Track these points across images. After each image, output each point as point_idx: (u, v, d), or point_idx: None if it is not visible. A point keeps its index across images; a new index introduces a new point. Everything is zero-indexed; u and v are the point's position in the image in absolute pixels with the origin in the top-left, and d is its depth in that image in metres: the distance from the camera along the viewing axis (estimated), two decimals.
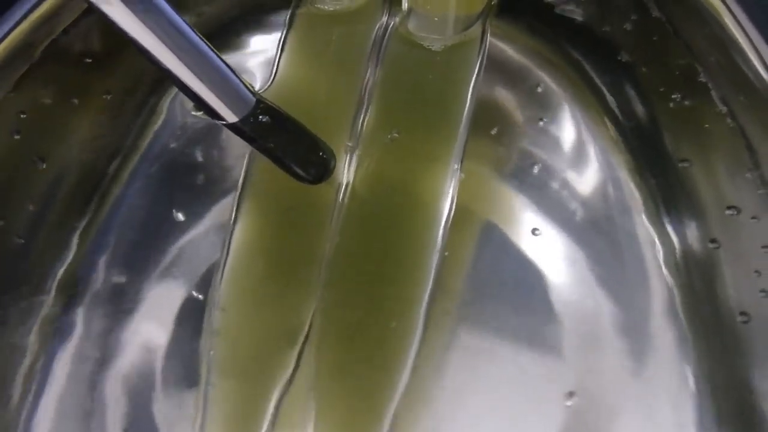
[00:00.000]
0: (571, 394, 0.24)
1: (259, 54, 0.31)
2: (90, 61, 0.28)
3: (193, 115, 0.30)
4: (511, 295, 0.26)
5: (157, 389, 0.26)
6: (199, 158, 0.30)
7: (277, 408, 0.23)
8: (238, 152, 0.30)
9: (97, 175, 0.29)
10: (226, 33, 0.30)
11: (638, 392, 0.24)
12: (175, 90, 0.30)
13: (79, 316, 0.27)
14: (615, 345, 0.25)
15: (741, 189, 0.22)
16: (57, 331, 0.26)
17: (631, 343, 0.25)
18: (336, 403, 0.23)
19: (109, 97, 0.29)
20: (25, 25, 0.25)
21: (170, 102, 0.31)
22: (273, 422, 0.23)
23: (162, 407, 0.25)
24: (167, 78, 0.21)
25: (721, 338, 0.23)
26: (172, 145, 0.30)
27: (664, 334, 0.25)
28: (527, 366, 0.25)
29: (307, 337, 0.24)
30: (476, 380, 0.25)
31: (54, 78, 0.27)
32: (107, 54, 0.29)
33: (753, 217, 0.22)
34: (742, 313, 0.23)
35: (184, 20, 0.21)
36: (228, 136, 0.30)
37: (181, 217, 0.29)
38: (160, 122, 0.30)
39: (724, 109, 0.23)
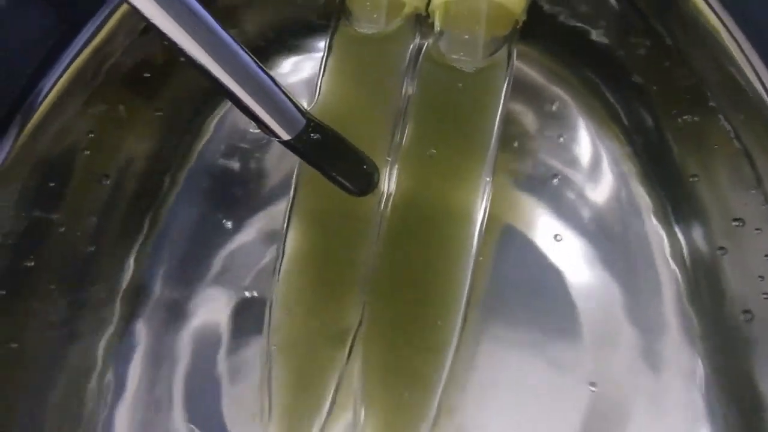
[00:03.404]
0: (593, 383, 0.28)
1: (295, 75, 0.33)
2: (148, 76, 0.31)
3: (236, 134, 0.33)
4: (535, 294, 0.30)
5: (222, 384, 0.28)
6: (243, 171, 0.33)
7: (331, 403, 0.27)
8: (278, 166, 0.33)
9: (152, 189, 0.32)
10: (263, 56, 0.33)
11: (651, 382, 0.27)
12: (220, 110, 0.33)
13: (142, 322, 0.30)
14: (629, 340, 0.28)
15: (746, 204, 0.25)
16: (123, 339, 0.29)
17: (644, 337, 0.28)
18: (386, 398, 0.26)
19: (160, 115, 0.32)
20: (89, 51, 0.28)
21: (217, 121, 0.33)
22: (328, 413, 0.26)
23: (226, 400, 0.28)
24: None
25: (726, 334, 0.26)
26: (219, 160, 0.33)
27: (675, 329, 0.28)
28: (552, 357, 0.28)
29: (355, 336, 0.27)
30: (505, 369, 0.29)
31: (114, 98, 0.29)
32: (159, 75, 0.31)
33: (757, 229, 0.25)
34: (746, 311, 0.25)
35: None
36: (268, 151, 0.33)
37: (229, 225, 0.32)
38: (206, 138, 0.33)
39: (731, 131, 0.25)
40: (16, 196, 0.25)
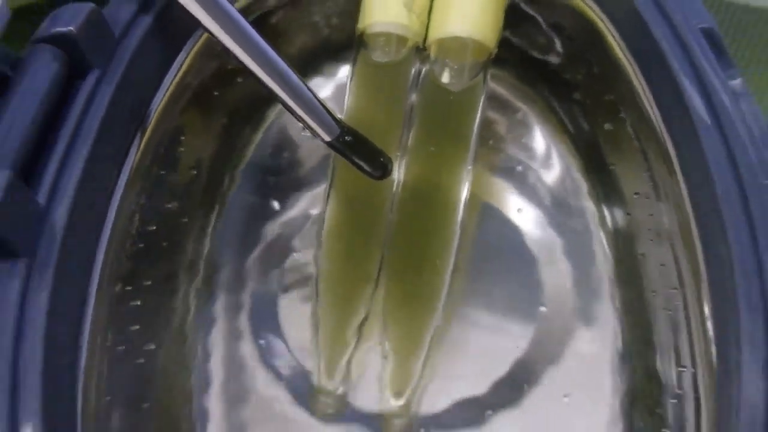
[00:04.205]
0: (543, 305, 0.36)
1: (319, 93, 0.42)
2: (217, 94, 0.38)
3: (278, 140, 0.41)
4: (504, 249, 0.38)
5: (280, 318, 0.37)
6: (284, 167, 0.41)
7: (361, 326, 0.36)
8: (309, 164, 0.41)
9: (219, 180, 0.39)
10: None
11: (586, 306, 0.36)
12: (266, 122, 0.42)
13: (218, 278, 0.38)
14: (572, 277, 0.37)
15: (641, 182, 0.33)
16: (206, 291, 0.37)
17: (582, 276, 0.37)
18: (402, 314, 0.35)
19: (224, 123, 0.40)
20: (182, 71, 0.34)
21: (264, 130, 0.41)
22: (360, 327, 0.36)
23: (285, 329, 0.37)
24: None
25: (633, 272, 0.35)
26: (266, 159, 0.41)
27: (603, 270, 0.37)
28: (514, 288, 0.37)
29: (378, 278, 0.36)
30: (482, 296, 0.37)
31: (195, 110, 0.37)
32: (223, 93, 0.39)
33: (647, 198, 0.33)
34: (641, 254, 0.34)
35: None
36: (302, 153, 0.42)
37: (277, 206, 0.40)
38: (257, 143, 0.41)
39: (633, 135, 0.34)
40: (144, 181, 0.31)
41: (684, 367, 0.31)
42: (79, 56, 0.29)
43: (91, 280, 0.27)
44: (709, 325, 0.27)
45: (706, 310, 0.27)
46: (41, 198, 0.25)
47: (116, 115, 0.29)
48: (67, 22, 0.28)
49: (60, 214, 0.25)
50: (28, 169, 0.26)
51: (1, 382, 0.21)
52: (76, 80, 0.29)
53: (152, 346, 0.32)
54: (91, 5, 0.29)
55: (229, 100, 0.39)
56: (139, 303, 0.32)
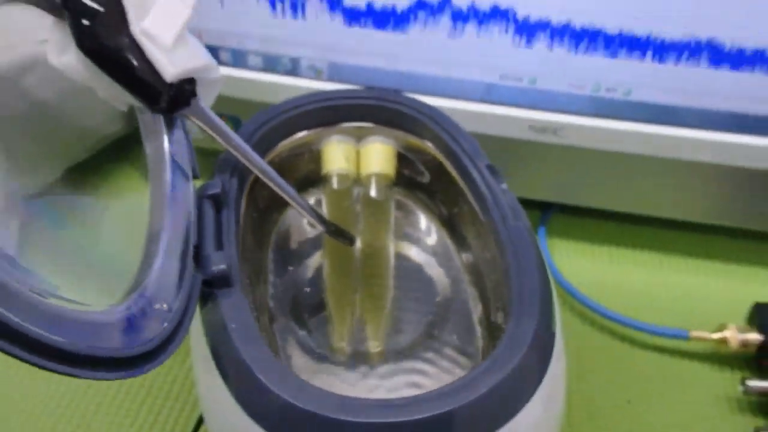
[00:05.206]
0: (438, 294, 0.69)
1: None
2: (255, 203, 0.73)
3: (292, 225, 0.66)
4: (411, 275, 0.63)
5: (307, 314, 0.64)
6: (298, 238, 0.65)
7: (352, 312, 0.61)
8: (311, 239, 0.65)
9: (260, 253, 0.63)
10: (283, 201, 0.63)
11: (454, 286, 0.63)
12: (284, 216, 0.67)
13: (276, 308, 0.63)
14: (444, 276, 0.63)
15: (473, 234, 0.57)
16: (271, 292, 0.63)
17: (449, 274, 0.62)
18: (370, 303, 0.60)
19: (256, 216, 0.74)
20: (246, 195, 0.70)
21: (282, 219, 0.66)
22: (352, 313, 0.61)
23: (310, 316, 0.67)
24: (298, 212, 0.68)
25: (477, 272, 0.60)
26: (284, 239, 0.64)
27: (461, 272, 0.61)
28: (420, 284, 0.63)
29: (357, 290, 0.61)
30: (405, 293, 0.64)
31: (248, 211, 0.65)
32: (255, 192, 0.72)
33: (477, 240, 0.58)
34: (479, 266, 0.61)
35: (300, 194, 0.67)
36: (306, 234, 0.67)
37: (291, 268, 0.66)
38: (276, 231, 0.66)
39: (469, 213, 0.56)
40: (240, 249, 0.58)
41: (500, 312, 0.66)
42: (220, 202, 0.62)
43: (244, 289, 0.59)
44: (507, 295, 0.49)
45: (506, 290, 0.49)
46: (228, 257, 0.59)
47: (234, 222, 0.61)
48: (215, 188, 0.61)
49: (234, 264, 0.58)
50: (218, 247, 0.59)
51: (249, 332, 0.53)
52: (220, 212, 0.62)
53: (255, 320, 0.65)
54: (221, 182, 0.63)
55: (259, 206, 0.61)
56: (252, 298, 0.64)
